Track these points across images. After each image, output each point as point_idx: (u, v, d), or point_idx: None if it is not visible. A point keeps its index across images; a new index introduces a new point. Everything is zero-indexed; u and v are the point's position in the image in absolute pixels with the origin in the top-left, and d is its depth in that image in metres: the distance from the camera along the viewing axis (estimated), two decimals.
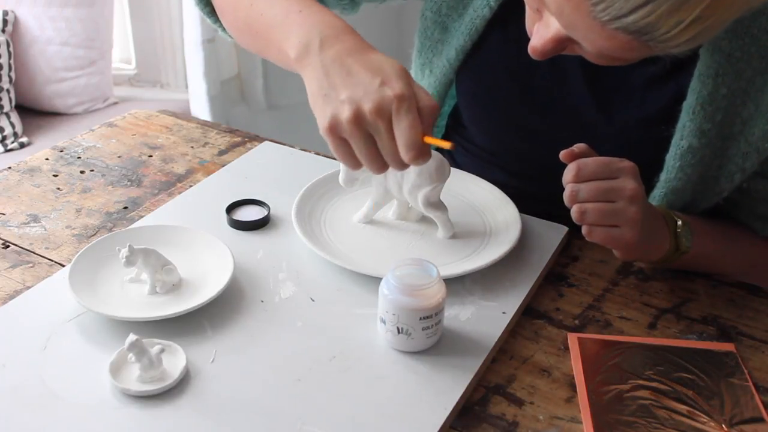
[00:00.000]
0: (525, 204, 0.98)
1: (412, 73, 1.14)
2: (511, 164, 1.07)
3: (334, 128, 0.70)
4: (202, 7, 1.02)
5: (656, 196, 0.93)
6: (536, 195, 0.99)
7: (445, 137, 1.17)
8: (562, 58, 0.85)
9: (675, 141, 0.89)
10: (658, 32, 0.64)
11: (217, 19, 1.01)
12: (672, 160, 0.90)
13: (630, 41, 0.66)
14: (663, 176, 0.92)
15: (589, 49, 0.72)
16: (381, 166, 0.73)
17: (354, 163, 0.73)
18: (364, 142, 0.71)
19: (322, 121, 0.71)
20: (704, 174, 0.90)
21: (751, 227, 0.95)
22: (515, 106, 1.01)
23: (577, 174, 0.80)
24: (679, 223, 0.86)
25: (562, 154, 0.82)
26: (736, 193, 0.93)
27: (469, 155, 1.12)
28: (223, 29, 1.02)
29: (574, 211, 0.81)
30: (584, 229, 0.81)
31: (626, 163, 0.81)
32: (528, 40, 0.78)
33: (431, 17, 1.04)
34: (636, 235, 0.80)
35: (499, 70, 1.01)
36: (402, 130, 0.69)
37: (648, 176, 0.91)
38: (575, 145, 0.83)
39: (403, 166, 0.72)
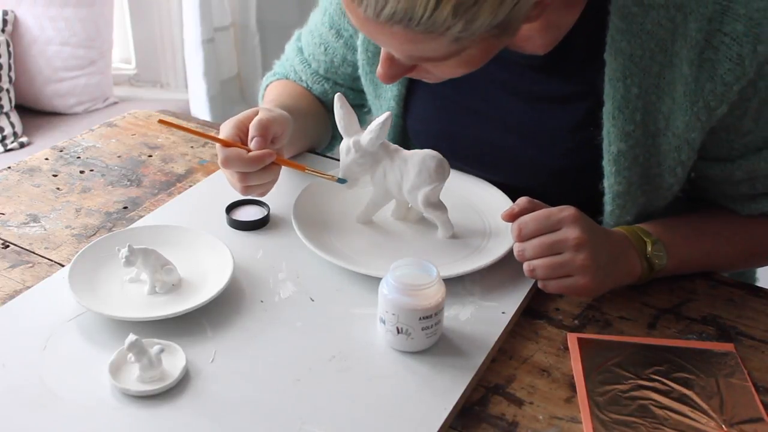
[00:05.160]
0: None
1: None
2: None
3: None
4: None
5: (607, 201, 0.93)
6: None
7: None
8: (485, 77, 0.91)
9: (605, 147, 0.89)
10: (418, 14, 0.66)
11: None
12: (608, 165, 0.90)
13: (407, 33, 0.68)
14: (606, 182, 0.92)
15: (398, 56, 0.76)
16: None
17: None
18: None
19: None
20: (646, 173, 0.90)
21: (730, 209, 0.95)
22: (456, 130, 1.02)
23: (519, 234, 0.81)
24: (649, 244, 0.86)
25: (503, 216, 0.83)
26: (702, 180, 0.94)
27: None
28: None
29: (525, 269, 0.82)
30: (539, 284, 0.83)
31: (567, 212, 0.81)
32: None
33: (364, 76, 1.08)
34: (590, 280, 0.80)
35: (431, 105, 1.03)
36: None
37: (592, 183, 0.92)
38: (516, 203, 0.83)
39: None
